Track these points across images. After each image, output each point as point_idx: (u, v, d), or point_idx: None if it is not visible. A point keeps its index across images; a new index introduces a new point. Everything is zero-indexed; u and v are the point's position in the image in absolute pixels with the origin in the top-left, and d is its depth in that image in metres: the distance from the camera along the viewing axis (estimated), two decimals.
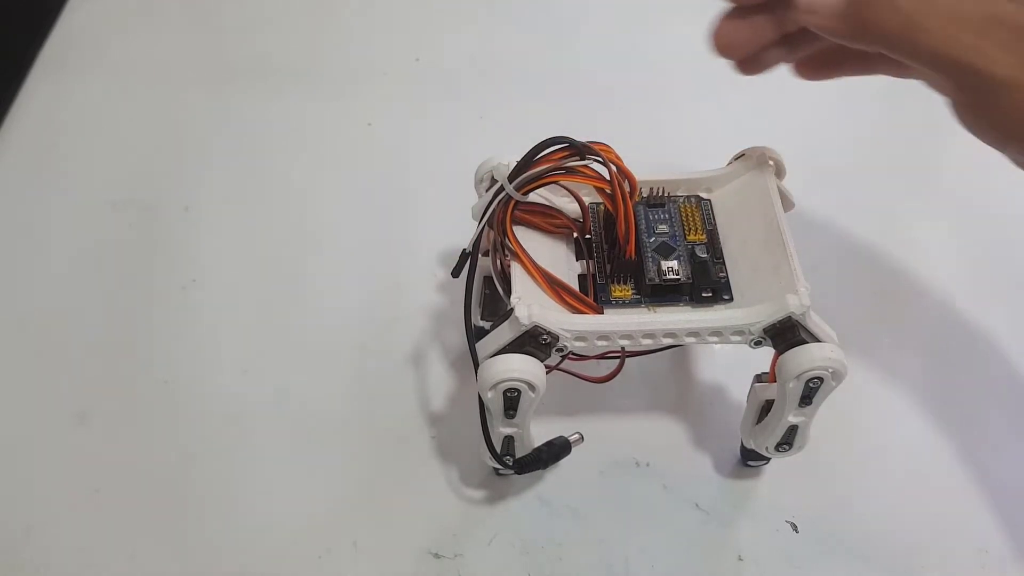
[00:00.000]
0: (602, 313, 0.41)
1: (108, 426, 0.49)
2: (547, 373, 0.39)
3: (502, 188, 0.40)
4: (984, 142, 0.35)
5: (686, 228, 0.43)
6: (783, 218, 0.42)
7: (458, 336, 0.51)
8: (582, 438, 0.45)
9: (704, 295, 0.41)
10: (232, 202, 0.59)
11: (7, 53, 0.68)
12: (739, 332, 0.39)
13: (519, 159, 0.40)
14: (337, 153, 0.62)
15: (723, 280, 0.42)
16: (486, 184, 0.45)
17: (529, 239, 0.42)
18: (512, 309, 0.38)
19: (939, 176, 0.62)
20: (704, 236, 0.43)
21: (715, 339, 0.40)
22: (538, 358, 0.39)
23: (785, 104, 0.66)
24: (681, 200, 0.45)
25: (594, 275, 0.43)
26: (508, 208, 0.41)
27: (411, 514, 0.46)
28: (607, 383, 0.45)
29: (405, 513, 0.46)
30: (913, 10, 0.33)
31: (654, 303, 0.42)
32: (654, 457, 0.48)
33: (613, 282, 0.42)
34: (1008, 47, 0.32)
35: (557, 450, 0.45)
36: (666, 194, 0.45)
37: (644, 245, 0.42)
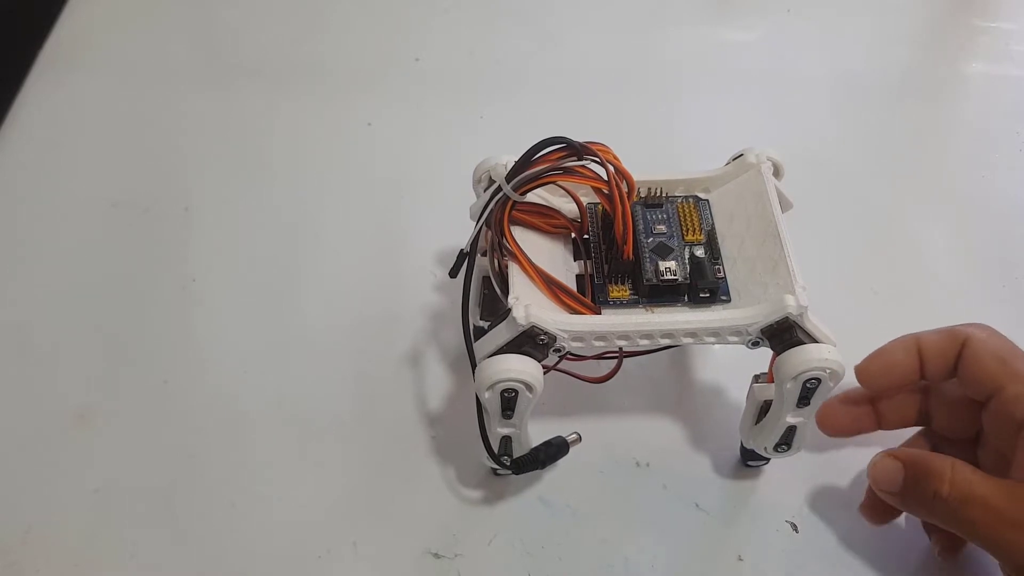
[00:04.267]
0: (599, 313, 0.41)
1: (108, 426, 0.49)
2: (545, 373, 0.39)
3: (500, 188, 0.40)
4: None
5: (684, 228, 0.43)
6: (781, 218, 0.42)
7: (457, 336, 0.51)
8: (580, 438, 0.45)
9: (702, 295, 0.41)
10: (232, 202, 0.59)
11: (7, 53, 0.68)
12: (737, 333, 0.39)
13: (517, 159, 0.41)
14: (337, 153, 0.62)
15: (721, 281, 0.42)
16: (484, 184, 0.45)
17: (527, 239, 0.42)
18: (509, 309, 0.38)
19: (939, 176, 0.62)
20: (702, 236, 0.43)
21: (713, 340, 0.40)
22: (535, 358, 0.39)
23: (783, 104, 0.66)
24: (679, 200, 0.45)
25: (592, 275, 0.43)
26: (506, 208, 0.41)
27: (411, 514, 0.46)
28: (606, 383, 0.45)
29: (405, 513, 0.46)
30: None
31: (652, 303, 0.42)
32: (654, 457, 0.48)
33: (611, 282, 0.42)
34: None
35: (555, 450, 0.45)
36: (664, 194, 0.45)
37: (642, 245, 0.42)
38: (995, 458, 0.42)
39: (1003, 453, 0.41)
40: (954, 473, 0.39)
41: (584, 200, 0.43)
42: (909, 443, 0.46)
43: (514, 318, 0.38)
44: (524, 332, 0.38)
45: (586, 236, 0.44)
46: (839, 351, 0.39)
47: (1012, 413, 0.40)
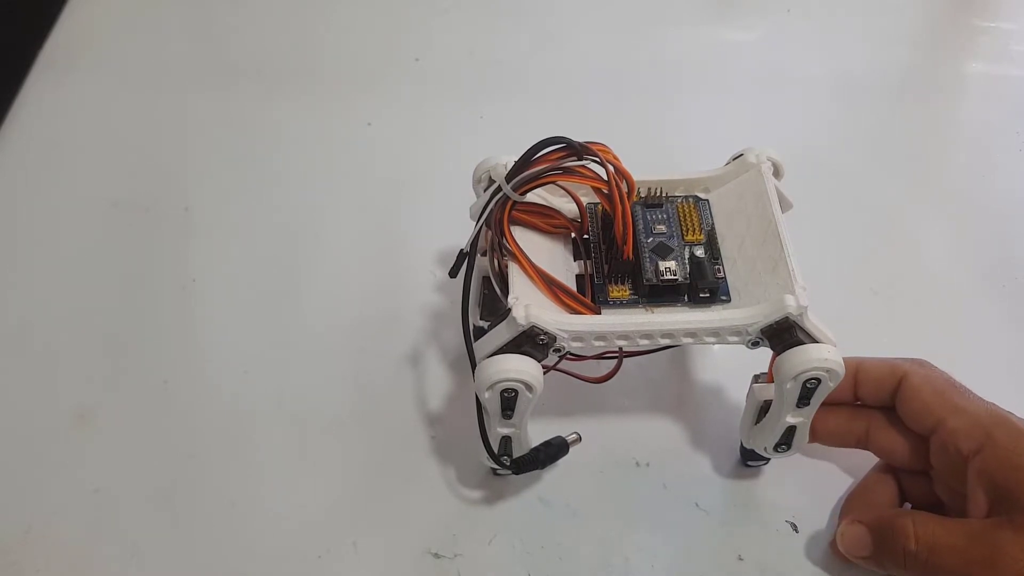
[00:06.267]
0: (599, 313, 0.41)
1: (108, 426, 0.49)
2: (545, 373, 0.39)
3: (500, 188, 0.40)
4: None
5: (684, 228, 0.43)
6: (781, 218, 0.42)
7: (457, 336, 0.51)
8: (580, 438, 0.45)
9: (702, 295, 0.41)
10: (232, 202, 0.59)
11: (7, 53, 0.68)
12: (736, 333, 0.39)
13: (517, 159, 0.41)
14: (337, 153, 0.63)
15: (721, 281, 0.42)
16: (484, 184, 0.45)
17: (527, 239, 0.42)
18: (509, 309, 0.38)
19: (939, 176, 0.62)
20: (702, 236, 0.43)
21: (712, 340, 0.40)
22: (535, 358, 0.39)
23: (783, 104, 0.66)
24: (679, 200, 0.45)
25: (592, 275, 0.43)
26: (506, 208, 0.41)
27: (411, 514, 0.46)
28: (606, 383, 0.45)
29: (405, 513, 0.46)
30: None
31: (652, 303, 0.42)
32: (654, 457, 0.48)
33: (611, 282, 0.42)
34: None
35: (555, 450, 0.45)
36: (664, 194, 0.45)
37: (642, 245, 0.42)
38: (950, 492, 0.43)
39: (955, 487, 0.42)
40: (917, 527, 0.40)
41: (584, 200, 0.43)
42: (870, 477, 0.46)
43: (514, 318, 0.38)
44: (524, 332, 0.38)
45: (586, 236, 0.44)
46: (839, 351, 0.39)
47: (957, 447, 0.41)
